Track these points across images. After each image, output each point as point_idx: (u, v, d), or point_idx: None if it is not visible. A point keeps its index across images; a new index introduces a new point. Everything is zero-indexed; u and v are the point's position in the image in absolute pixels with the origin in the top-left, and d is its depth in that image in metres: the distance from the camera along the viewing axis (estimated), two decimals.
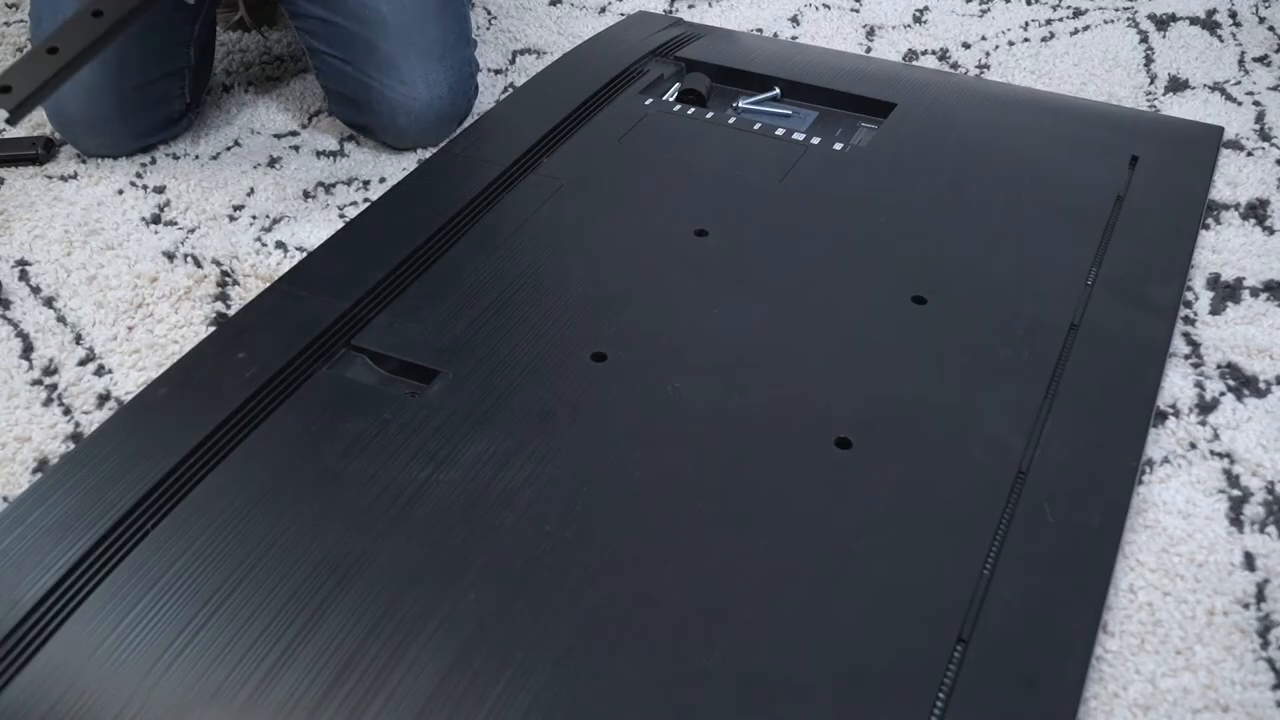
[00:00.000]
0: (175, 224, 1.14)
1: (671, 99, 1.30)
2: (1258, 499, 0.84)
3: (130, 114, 1.21)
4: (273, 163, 1.25)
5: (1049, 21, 1.57)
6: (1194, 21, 1.55)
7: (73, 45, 0.74)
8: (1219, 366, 0.96)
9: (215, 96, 1.38)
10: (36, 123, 1.31)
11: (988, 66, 1.46)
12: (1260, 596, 0.77)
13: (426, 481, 0.79)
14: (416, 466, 0.80)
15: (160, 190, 1.20)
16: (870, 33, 1.56)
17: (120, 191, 1.19)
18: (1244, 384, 0.94)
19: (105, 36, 0.76)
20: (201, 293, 1.05)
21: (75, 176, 1.23)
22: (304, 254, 1.08)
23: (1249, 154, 1.25)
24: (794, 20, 1.59)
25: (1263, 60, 1.46)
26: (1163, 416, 0.91)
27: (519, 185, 1.13)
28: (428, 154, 1.26)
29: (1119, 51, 1.49)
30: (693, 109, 1.26)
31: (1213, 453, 0.88)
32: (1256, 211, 1.15)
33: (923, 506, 0.78)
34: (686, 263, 1.01)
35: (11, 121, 0.69)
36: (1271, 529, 0.81)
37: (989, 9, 1.61)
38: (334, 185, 1.21)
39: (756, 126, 1.22)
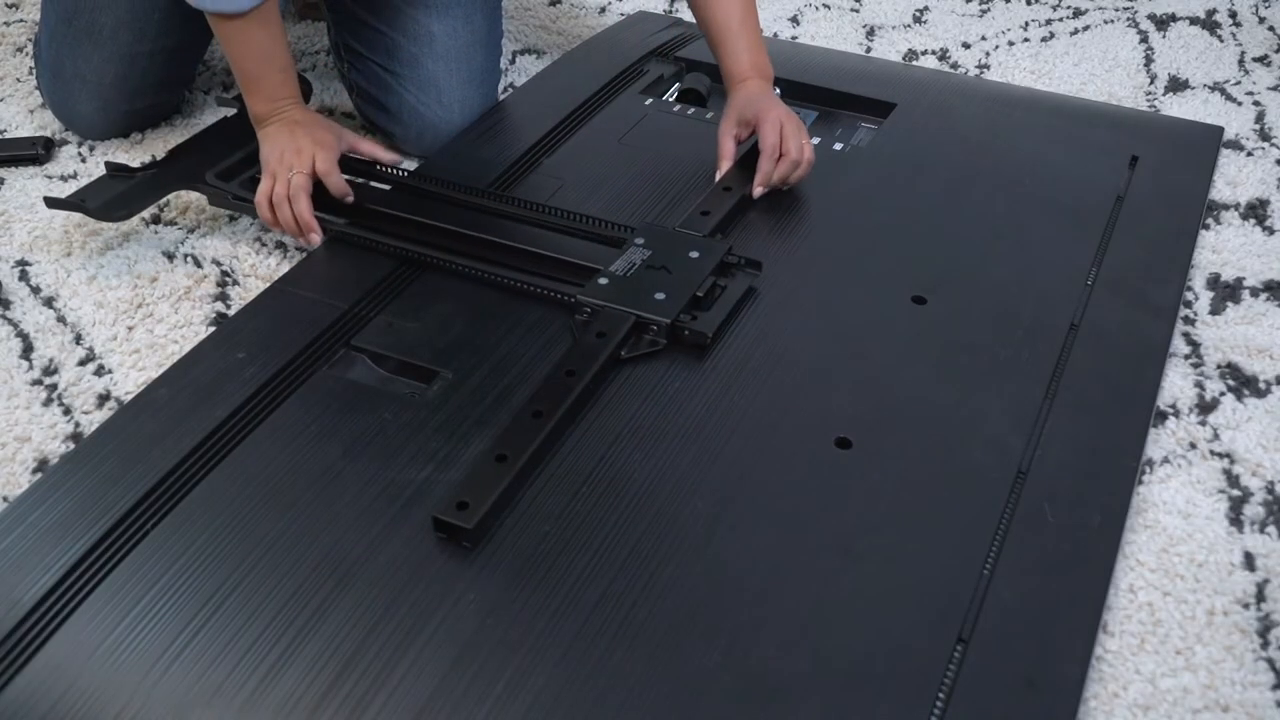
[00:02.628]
0: (175, 224, 1.14)
1: (671, 99, 1.30)
2: (1258, 499, 0.84)
3: (137, 119, 1.26)
4: None
5: (1049, 21, 1.57)
6: (1194, 21, 1.55)
7: (519, 451, 0.79)
8: (1219, 366, 0.96)
9: (216, 94, 1.38)
10: (40, 124, 1.31)
11: (988, 66, 1.46)
12: (1260, 596, 0.77)
13: (426, 481, 0.79)
14: (416, 466, 0.80)
15: None
16: (870, 33, 1.56)
17: None
18: (1244, 384, 0.94)
19: (550, 437, 0.82)
20: (201, 293, 1.05)
21: (75, 176, 1.23)
22: (304, 254, 1.08)
23: (1249, 154, 1.25)
24: (794, 20, 1.59)
25: (1263, 60, 1.46)
26: (1163, 416, 0.91)
27: (520, 185, 1.13)
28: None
29: (1119, 51, 1.49)
30: (693, 109, 1.26)
31: (1213, 453, 0.88)
32: (1256, 211, 1.15)
33: (923, 506, 0.78)
34: None
35: (471, 541, 0.75)
36: (1271, 529, 0.81)
37: (989, 9, 1.61)
38: None
39: None
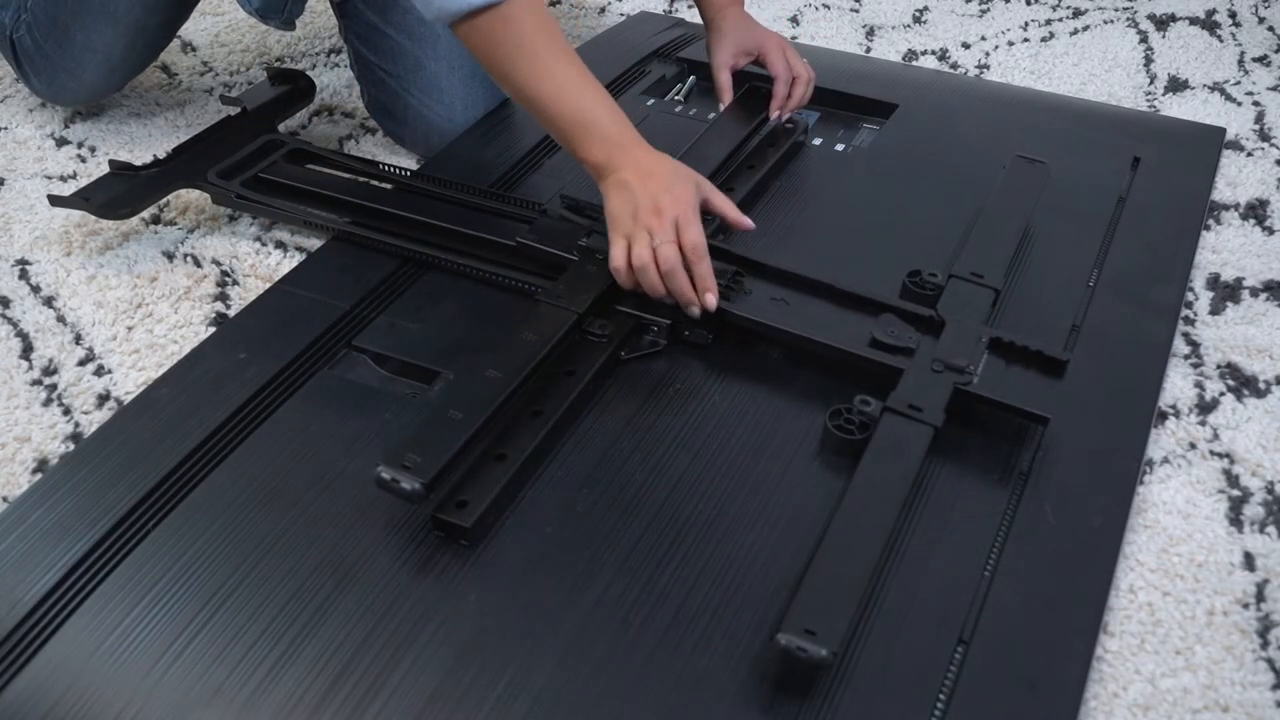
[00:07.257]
0: (175, 224, 1.14)
1: (673, 99, 1.30)
2: (1257, 499, 0.84)
3: (120, 82, 1.32)
4: None
5: (1049, 22, 1.57)
6: (1194, 21, 1.55)
7: (519, 450, 0.79)
8: (1219, 366, 0.96)
9: (216, 94, 1.38)
10: (39, 123, 1.31)
11: (987, 66, 1.46)
12: (1260, 596, 0.77)
13: None
14: None
15: None
16: (870, 33, 1.56)
17: None
18: (1244, 384, 0.94)
19: (550, 436, 0.82)
20: (201, 293, 1.05)
21: (75, 176, 1.23)
22: (304, 254, 1.08)
23: (1249, 154, 1.25)
24: (794, 20, 1.59)
25: (1262, 60, 1.46)
26: (1163, 416, 0.91)
27: (522, 185, 1.13)
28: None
29: (1119, 51, 1.49)
30: (695, 109, 1.26)
31: (1213, 453, 0.88)
32: (1256, 212, 1.15)
33: (923, 507, 0.78)
34: None
35: (469, 540, 0.75)
36: (1271, 529, 0.81)
37: (989, 9, 1.61)
38: None
39: None
